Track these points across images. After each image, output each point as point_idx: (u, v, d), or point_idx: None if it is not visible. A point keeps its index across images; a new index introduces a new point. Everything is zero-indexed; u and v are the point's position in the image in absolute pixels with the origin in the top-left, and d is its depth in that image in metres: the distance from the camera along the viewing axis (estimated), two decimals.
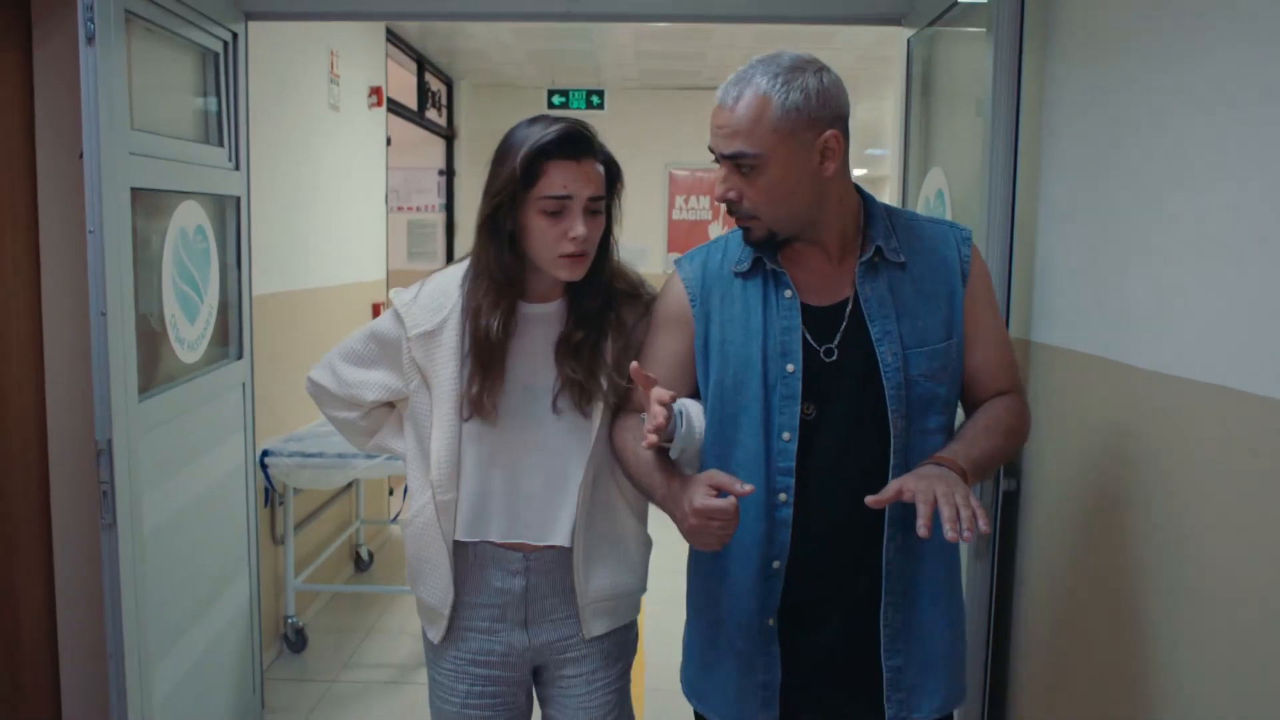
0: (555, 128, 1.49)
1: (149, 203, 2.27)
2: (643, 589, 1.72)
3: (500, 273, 1.53)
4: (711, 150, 1.41)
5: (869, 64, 5.98)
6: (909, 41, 2.91)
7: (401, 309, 1.62)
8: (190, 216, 2.55)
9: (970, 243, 1.50)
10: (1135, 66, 1.74)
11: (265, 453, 3.32)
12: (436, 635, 1.67)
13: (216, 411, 2.74)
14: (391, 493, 5.19)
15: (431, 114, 6.22)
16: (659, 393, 1.33)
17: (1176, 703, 1.51)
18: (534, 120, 1.52)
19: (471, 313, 1.55)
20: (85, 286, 2.32)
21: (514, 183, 1.47)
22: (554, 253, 1.50)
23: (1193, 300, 1.51)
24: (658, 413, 1.32)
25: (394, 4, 3.40)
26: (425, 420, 1.61)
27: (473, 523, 1.61)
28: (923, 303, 1.45)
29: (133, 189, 2.17)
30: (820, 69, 1.38)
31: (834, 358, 1.43)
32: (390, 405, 1.73)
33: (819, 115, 1.36)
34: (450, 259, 6.97)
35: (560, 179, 1.47)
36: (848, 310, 1.44)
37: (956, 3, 2.49)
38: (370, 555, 4.58)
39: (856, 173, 5.50)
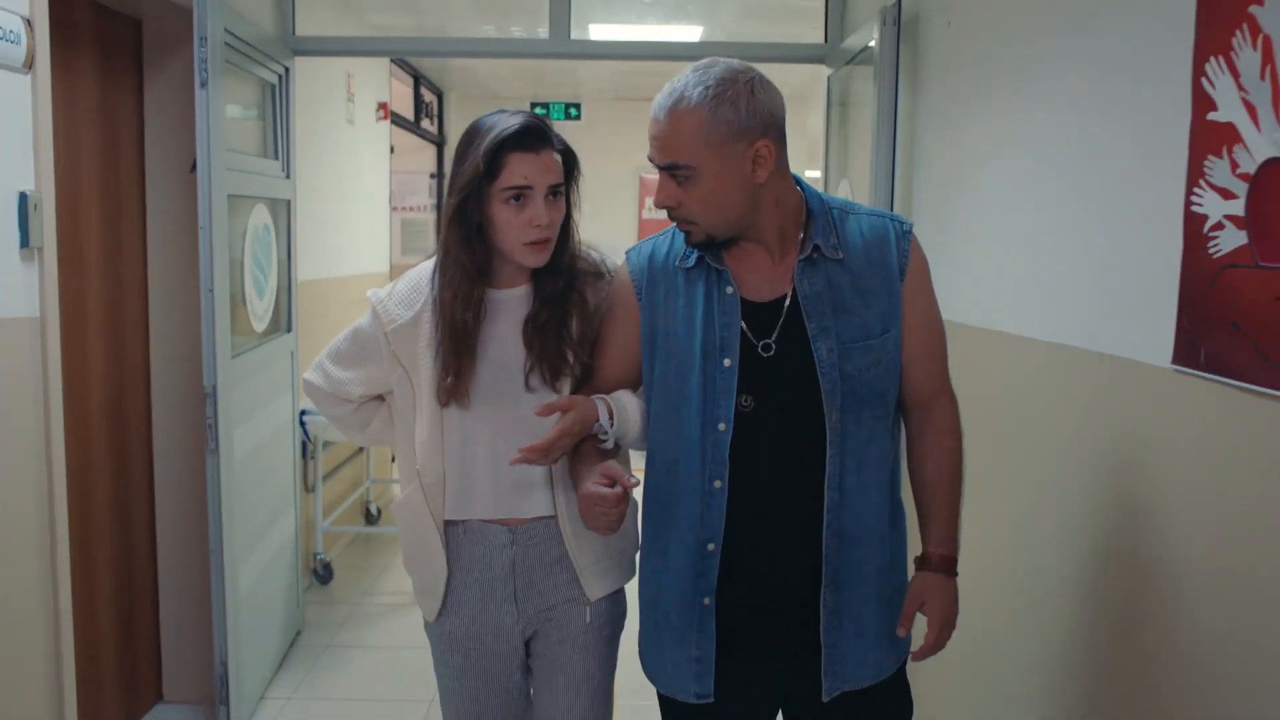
0: (514, 121, 1.55)
1: (234, 206, 2.94)
2: (636, 546, 1.75)
3: (471, 263, 1.59)
4: (650, 159, 1.46)
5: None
6: (829, 79, 3.64)
7: (377, 305, 1.69)
8: (260, 216, 3.23)
9: (910, 236, 1.52)
10: (960, 113, 2.48)
11: (303, 412, 3.99)
12: (431, 614, 1.74)
13: (274, 373, 3.41)
14: (394, 460, 5.86)
15: (425, 123, 6.89)
16: (551, 431, 1.49)
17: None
18: (491, 115, 1.58)
19: (444, 303, 1.60)
20: (180, 269, 3.01)
21: (478, 176, 1.53)
22: (519, 240, 1.57)
23: (995, 269, 2.25)
24: (547, 440, 1.48)
25: (406, 44, 4.10)
26: (409, 409, 1.68)
27: (460, 502, 1.67)
28: (860, 298, 1.47)
29: (229, 195, 2.84)
30: (751, 79, 1.40)
31: (771, 353, 1.46)
32: (380, 399, 1.80)
33: (749, 125, 1.38)
34: None
35: (520, 170, 1.53)
36: (786, 306, 1.47)
37: (868, 47, 3.21)
38: (378, 511, 5.25)
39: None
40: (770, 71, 1.50)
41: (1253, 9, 1.28)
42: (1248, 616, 1.31)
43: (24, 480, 2.13)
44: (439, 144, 7.44)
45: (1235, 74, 1.32)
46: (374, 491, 5.28)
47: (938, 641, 1.52)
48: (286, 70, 3.47)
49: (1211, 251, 1.38)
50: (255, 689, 3.16)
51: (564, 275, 1.64)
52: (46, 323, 2.17)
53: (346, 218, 4.86)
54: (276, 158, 3.46)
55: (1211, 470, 1.40)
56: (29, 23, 2.07)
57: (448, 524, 1.68)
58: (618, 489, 1.42)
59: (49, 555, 2.20)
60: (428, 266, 1.69)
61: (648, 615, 1.61)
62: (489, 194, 1.55)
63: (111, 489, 2.86)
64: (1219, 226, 1.36)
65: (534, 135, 1.55)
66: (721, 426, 1.46)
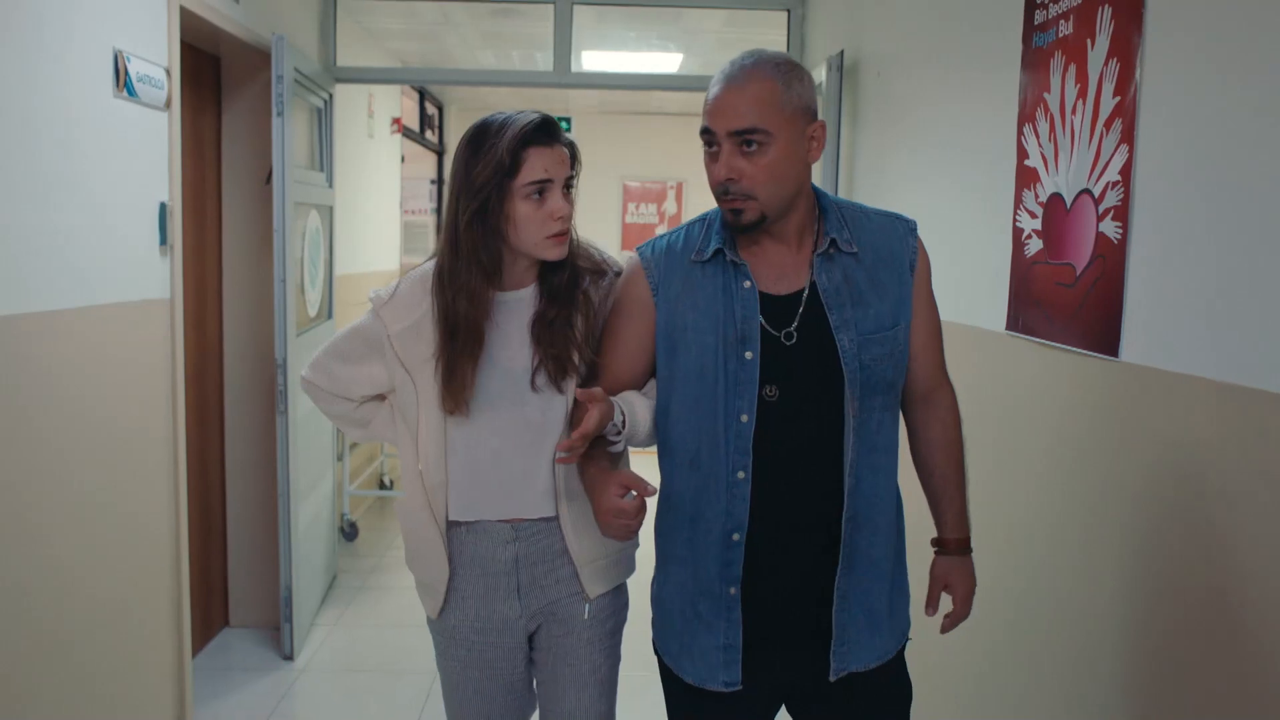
0: (532, 118, 1.55)
1: (297, 211, 3.56)
2: (635, 545, 1.77)
3: (490, 263, 1.58)
4: (709, 131, 1.44)
5: None
6: None
7: (381, 308, 1.68)
8: (313, 220, 3.86)
9: (916, 234, 1.57)
10: (886, 143, 3.16)
11: None
12: (434, 610, 1.74)
13: None
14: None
15: (428, 133, 7.52)
16: (589, 420, 1.45)
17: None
18: (497, 116, 1.58)
19: (451, 307, 1.59)
20: (248, 264, 3.64)
21: (501, 172, 1.53)
22: (541, 234, 1.57)
23: None
24: (586, 427, 1.44)
25: (433, 74, 4.72)
26: (412, 410, 1.67)
27: (465, 503, 1.68)
28: (875, 291, 1.50)
29: (295, 203, 3.47)
30: (804, 70, 1.48)
31: (794, 340, 1.48)
32: (380, 398, 1.78)
33: (810, 105, 1.45)
34: None
35: (541, 164, 1.54)
36: (804, 297, 1.49)
37: (819, 85, 3.89)
38: (391, 482, 5.88)
39: None
40: None
41: (1044, 94, 1.96)
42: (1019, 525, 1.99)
43: (161, 422, 2.75)
44: (439, 153, 8.07)
45: (1037, 136, 2.00)
46: (387, 464, 5.91)
47: (963, 612, 1.65)
48: (330, 96, 4.11)
49: (1026, 253, 2.05)
50: (308, 616, 3.79)
51: (568, 270, 1.64)
52: (175, 304, 2.80)
53: (364, 220, 5.49)
54: (322, 170, 4.09)
55: (1029, 399, 2.08)
56: (168, 72, 2.71)
57: (450, 524, 1.70)
58: (635, 498, 1.43)
59: (173, 490, 2.83)
60: (429, 268, 1.67)
61: (672, 607, 1.60)
62: (508, 191, 1.55)
63: (194, 443, 3.48)
64: (1029, 236, 2.04)
65: (549, 129, 1.57)
66: (744, 418, 1.48)
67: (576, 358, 1.62)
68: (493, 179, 1.53)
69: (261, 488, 3.71)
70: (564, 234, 1.59)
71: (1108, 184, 1.72)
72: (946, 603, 1.67)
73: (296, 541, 3.56)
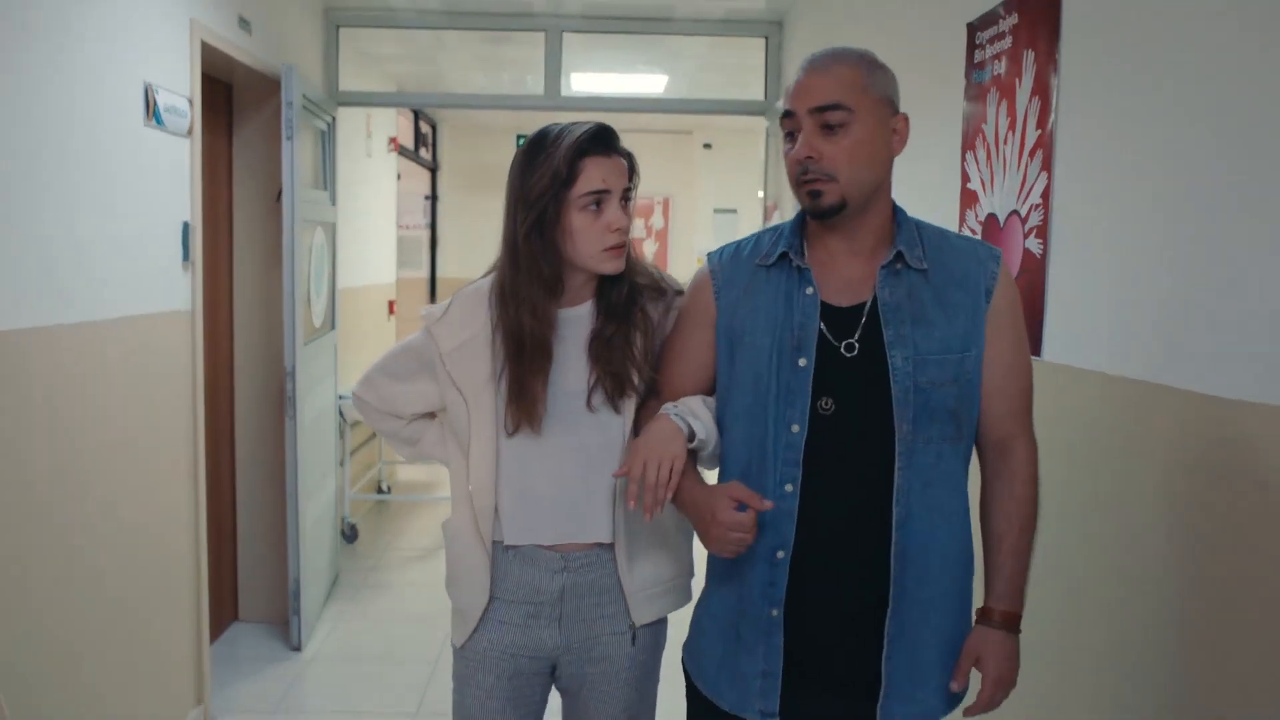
0: (588, 128, 1.52)
1: (304, 228, 3.80)
2: (690, 574, 1.73)
3: (551, 275, 1.55)
4: (790, 113, 1.42)
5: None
6: (766, 129, 4.57)
7: (433, 326, 1.65)
8: (319, 236, 4.09)
9: (999, 261, 1.48)
10: None
11: (340, 396, 4.84)
12: (460, 637, 1.69)
13: (324, 362, 4.26)
14: None
15: (422, 151, 7.76)
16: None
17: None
18: (553, 127, 1.56)
19: (517, 323, 1.56)
20: (257, 277, 3.86)
21: (558, 182, 1.50)
22: (598, 247, 1.53)
23: None
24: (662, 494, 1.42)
25: (429, 97, 4.96)
26: (463, 430, 1.64)
27: (515, 528, 1.63)
28: (943, 311, 1.43)
29: (303, 220, 3.70)
30: (888, 68, 1.46)
31: (854, 352, 1.43)
32: (431, 415, 1.77)
33: (892, 99, 1.44)
34: (434, 268, 8.52)
35: (598, 174, 1.51)
36: (866, 310, 1.44)
37: None
38: (388, 488, 6.10)
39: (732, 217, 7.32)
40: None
41: (982, 125, 2.21)
42: None
43: (182, 425, 2.98)
44: (433, 170, 8.31)
45: (977, 162, 2.25)
46: (385, 471, 6.12)
47: (990, 701, 1.45)
48: (333, 119, 4.34)
49: None
50: (314, 610, 4.00)
51: (626, 286, 1.60)
52: (195, 315, 3.03)
53: (363, 236, 5.73)
54: (326, 189, 4.32)
55: None
56: (191, 101, 2.94)
57: (500, 549, 1.66)
58: (750, 513, 1.39)
59: (192, 490, 3.05)
60: (484, 285, 1.65)
61: (714, 628, 1.55)
62: (565, 202, 1.52)
63: (208, 446, 3.69)
64: None
65: (607, 139, 1.55)
66: (795, 428, 1.43)
67: (635, 377, 1.58)
68: (549, 189, 1.51)
69: (269, 489, 3.93)
70: (621, 246, 1.56)
71: (1032, 206, 1.97)
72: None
73: (303, 538, 3.78)
